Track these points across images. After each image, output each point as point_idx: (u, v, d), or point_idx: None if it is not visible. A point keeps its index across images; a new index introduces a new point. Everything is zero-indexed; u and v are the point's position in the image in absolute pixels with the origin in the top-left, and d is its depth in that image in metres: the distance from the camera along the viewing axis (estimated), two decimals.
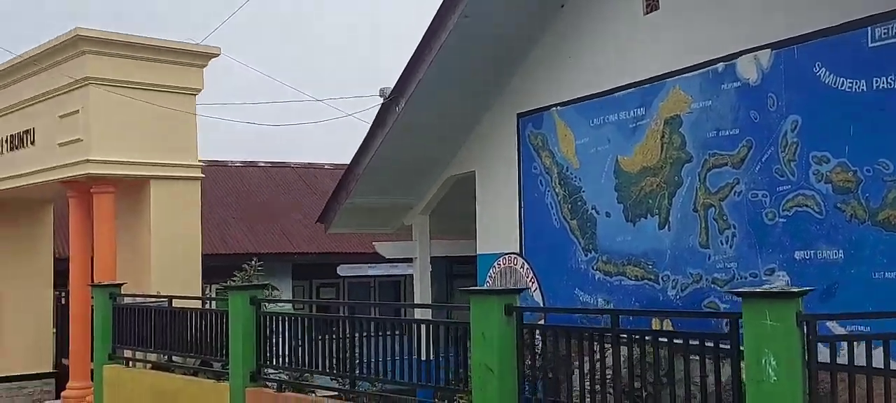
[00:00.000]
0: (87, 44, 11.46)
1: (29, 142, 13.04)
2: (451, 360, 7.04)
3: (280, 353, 8.79)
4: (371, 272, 21.10)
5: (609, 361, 6.00)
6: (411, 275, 19.78)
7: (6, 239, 15.48)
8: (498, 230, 11.23)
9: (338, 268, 21.71)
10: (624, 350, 5.87)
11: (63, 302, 15.68)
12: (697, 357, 5.59)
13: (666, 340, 5.87)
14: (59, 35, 11.63)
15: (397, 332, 8.07)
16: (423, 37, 10.18)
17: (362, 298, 21.98)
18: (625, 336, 5.93)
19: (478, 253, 11.72)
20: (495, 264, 11.24)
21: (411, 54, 10.52)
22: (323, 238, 20.98)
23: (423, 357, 7.60)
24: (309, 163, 26.97)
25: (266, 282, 9.49)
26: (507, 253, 11.06)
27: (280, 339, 8.81)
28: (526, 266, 10.82)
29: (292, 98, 13.30)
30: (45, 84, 12.36)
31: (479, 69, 10.79)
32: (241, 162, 25.46)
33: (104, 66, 11.63)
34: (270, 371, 8.91)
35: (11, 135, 13.43)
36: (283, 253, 20.82)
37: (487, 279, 11.38)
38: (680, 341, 5.78)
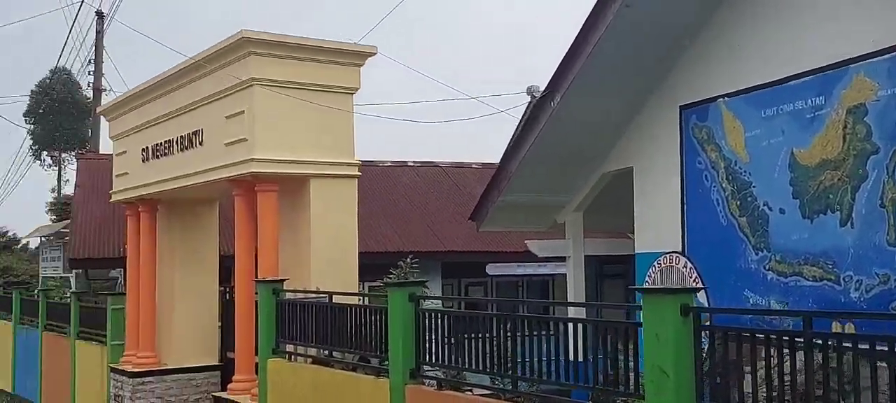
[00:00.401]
0: (252, 46, 11.84)
1: (198, 142, 13.62)
2: (608, 361, 6.79)
3: (438, 351, 8.75)
4: (519, 271, 20.95)
5: (789, 367, 5.59)
6: (560, 275, 19.49)
7: (177, 236, 16.27)
8: (658, 228, 10.83)
9: (486, 267, 21.68)
10: (800, 356, 5.45)
11: (227, 297, 16.33)
12: (886, 364, 5.09)
13: (850, 345, 5.38)
14: (226, 38, 12.07)
15: (550, 331, 7.86)
16: (581, 28, 9.93)
17: (510, 297, 21.83)
18: (801, 339, 5.49)
19: (636, 251, 11.34)
20: (655, 263, 10.83)
21: (568, 47, 10.29)
22: (471, 236, 21.00)
23: (573, 358, 7.39)
24: (457, 163, 27.13)
25: (422, 279, 9.48)
26: (667, 252, 10.64)
27: (438, 336, 8.78)
28: (689, 265, 10.37)
29: (443, 96, 13.36)
30: (213, 86, 12.87)
31: (638, 60, 10.43)
32: (392, 161, 25.89)
33: (267, 66, 11.99)
34: (429, 368, 8.89)
35: (182, 136, 14.08)
36: (434, 251, 20.99)
37: (647, 278, 10.99)
38: (866, 346, 5.29)
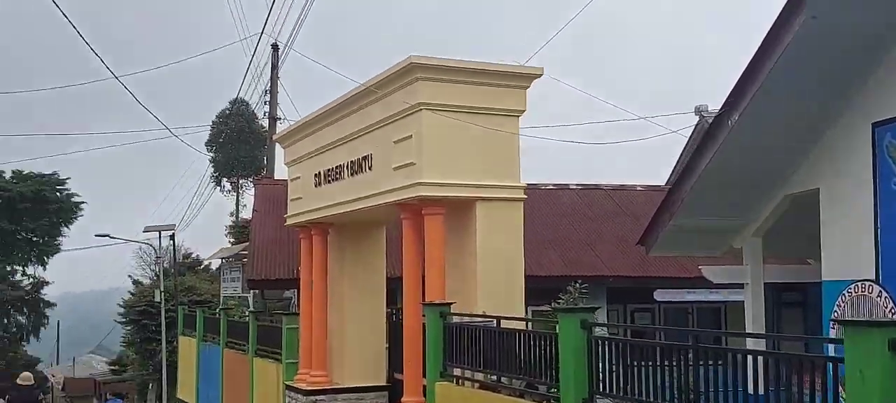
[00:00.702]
0: (420, 71, 12.00)
1: (367, 167, 13.95)
2: (793, 395, 6.33)
3: (611, 380, 8.46)
4: (689, 297, 20.14)
5: None
6: (733, 302, 18.59)
7: (347, 258, 16.71)
8: (848, 254, 10.09)
9: (654, 293, 21.01)
10: None
11: (394, 318, 16.60)
12: None
13: None
14: (396, 63, 12.31)
15: (726, 362, 7.43)
16: (763, 42, 9.41)
17: (680, 324, 21.04)
18: None
19: (822, 279, 10.60)
20: (845, 292, 10.09)
21: (748, 62, 9.78)
22: (637, 261, 20.43)
23: (753, 391, 6.95)
24: (620, 185, 26.58)
25: (593, 306, 9.22)
26: (858, 281, 9.89)
27: (610, 364, 8.49)
28: (884, 294, 9.59)
29: (607, 117, 13.01)
30: (382, 111, 13.15)
31: (825, 75, 9.78)
32: (553, 184, 25.67)
33: (435, 91, 12.11)
34: (600, 397, 8.60)
35: (352, 161, 14.47)
36: (599, 275, 20.57)
37: (835, 309, 10.25)
38: None
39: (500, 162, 12.55)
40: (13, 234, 47.25)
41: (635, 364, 8.25)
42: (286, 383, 17.52)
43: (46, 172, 48.69)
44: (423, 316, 12.39)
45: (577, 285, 11.64)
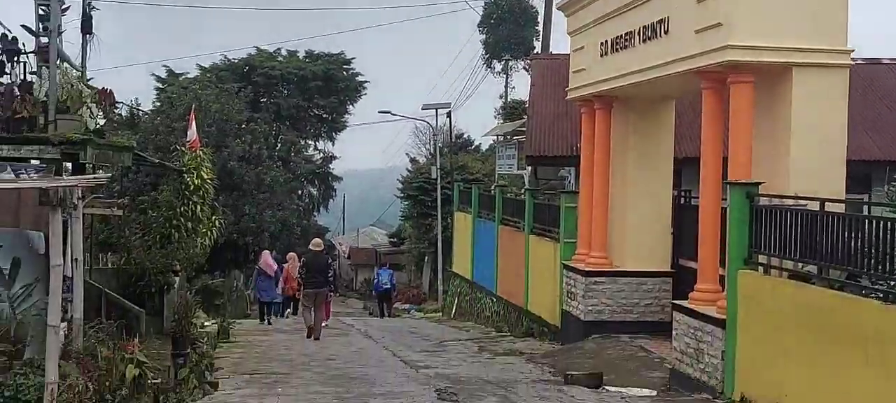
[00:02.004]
0: None
1: (663, 31, 12.63)
2: None
3: None
4: None
5: None
6: None
7: (632, 136, 15.62)
8: None
9: None
10: None
11: (682, 201, 15.40)
12: None
13: None
14: None
15: None
16: None
17: None
18: None
19: None
20: None
21: None
22: None
23: None
24: None
25: None
26: None
27: None
28: None
29: None
30: None
31: None
32: (863, 59, 22.54)
33: None
34: None
35: (645, 27, 13.20)
36: None
37: None
38: None
39: (822, 22, 10.77)
40: (306, 110, 50.52)
41: None
42: (564, 262, 17.02)
43: (334, 51, 51.32)
44: (724, 197, 11.14)
45: None
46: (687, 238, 14.37)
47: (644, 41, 13.32)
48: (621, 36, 14.19)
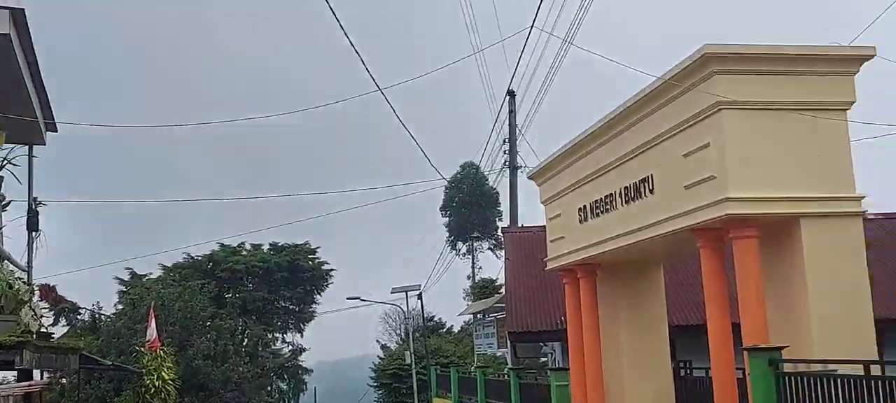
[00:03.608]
0: (716, 63, 9.75)
1: (647, 190, 11.76)
2: None
3: None
4: None
5: None
6: None
7: (621, 305, 14.51)
8: None
9: None
10: None
11: (683, 373, 14.11)
12: None
13: None
14: (684, 59, 10.11)
15: None
16: None
17: None
18: None
19: None
20: None
21: None
22: None
23: None
24: None
25: None
26: None
27: None
28: None
29: None
30: (664, 122, 10.99)
31: None
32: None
33: (737, 86, 9.80)
34: None
35: (626, 187, 12.35)
36: None
37: None
38: None
39: (828, 168, 9.96)
40: (272, 303, 49.11)
41: None
42: None
43: (299, 242, 50.49)
44: (739, 367, 9.94)
45: None
46: None
47: (627, 202, 12.44)
48: (601, 199, 13.32)
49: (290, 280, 48.75)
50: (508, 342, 22.03)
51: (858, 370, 8.17)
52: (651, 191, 11.73)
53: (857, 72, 10.01)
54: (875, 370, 8.17)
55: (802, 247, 9.74)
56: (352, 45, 12.02)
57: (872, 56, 9.94)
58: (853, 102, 10.01)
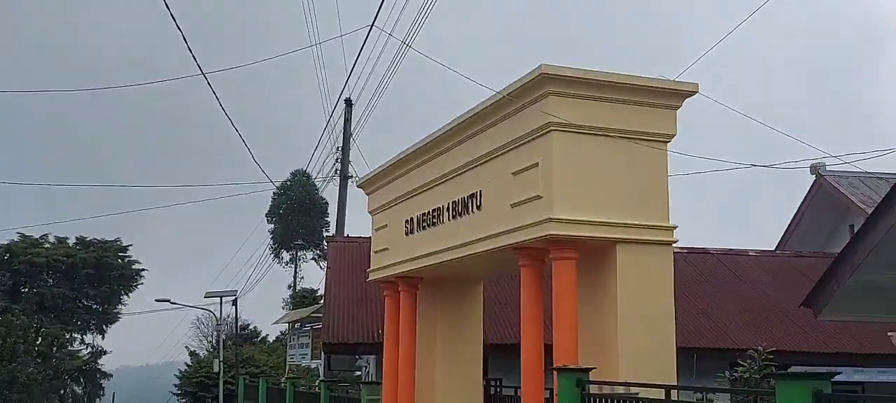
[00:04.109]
0: (552, 83, 9.85)
1: (474, 207, 11.76)
2: None
3: None
4: (881, 378, 16.96)
5: None
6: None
7: (439, 319, 14.49)
8: None
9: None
10: None
11: (493, 391, 14.23)
12: None
13: None
14: (521, 77, 10.16)
15: None
16: None
17: None
18: None
19: None
20: None
21: None
22: (767, 332, 17.69)
23: None
24: (729, 250, 23.86)
25: (834, 371, 6.79)
26: None
27: None
28: None
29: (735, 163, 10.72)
30: (496, 139, 11.02)
31: None
32: (691, 248, 22.74)
33: (569, 108, 9.95)
34: None
35: (454, 202, 12.30)
36: (721, 348, 17.81)
37: None
38: None
39: (646, 197, 10.26)
40: (74, 301, 46.12)
41: None
42: None
43: (109, 238, 47.77)
44: (547, 387, 10.02)
45: (761, 349, 9.13)
46: None
47: (454, 217, 12.39)
48: (428, 213, 13.22)
49: (96, 277, 46.01)
50: (322, 353, 21.53)
51: (660, 394, 8.39)
52: (479, 208, 11.72)
53: (680, 106, 10.41)
54: (674, 394, 8.43)
55: (616, 271, 9.96)
56: (174, 21, 11.28)
57: (694, 92, 10.37)
58: (674, 135, 10.40)
